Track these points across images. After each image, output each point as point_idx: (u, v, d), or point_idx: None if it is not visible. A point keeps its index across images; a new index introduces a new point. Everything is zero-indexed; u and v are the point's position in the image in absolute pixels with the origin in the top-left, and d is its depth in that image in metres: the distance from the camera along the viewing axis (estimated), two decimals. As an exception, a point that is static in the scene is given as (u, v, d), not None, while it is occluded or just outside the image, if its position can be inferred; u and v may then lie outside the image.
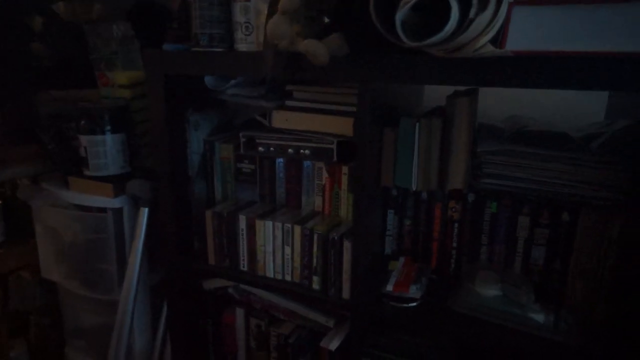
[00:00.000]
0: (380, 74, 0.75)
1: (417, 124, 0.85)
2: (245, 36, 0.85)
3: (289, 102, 0.96)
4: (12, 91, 1.19)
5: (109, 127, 1.04)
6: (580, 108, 1.00)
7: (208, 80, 0.97)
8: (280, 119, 0.96)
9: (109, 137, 1.04)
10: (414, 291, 0.87)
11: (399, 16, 0.62)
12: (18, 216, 1.21)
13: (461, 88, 0.88)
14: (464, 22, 0.60)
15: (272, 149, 0.96)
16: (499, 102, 1.02)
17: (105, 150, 1.04)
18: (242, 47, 0.86)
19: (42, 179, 1.14)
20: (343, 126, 0.90)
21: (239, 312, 1.09)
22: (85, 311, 1.19)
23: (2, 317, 1.26)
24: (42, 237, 1.17)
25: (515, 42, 0.65)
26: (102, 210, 1.06)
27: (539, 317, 0.80)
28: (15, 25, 1.23)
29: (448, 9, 0.59)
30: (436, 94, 0.99)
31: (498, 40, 0.65)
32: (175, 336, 1.12)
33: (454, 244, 0.90)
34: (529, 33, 0.64)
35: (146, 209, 1.04)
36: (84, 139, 1.04)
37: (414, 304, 0.87)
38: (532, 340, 0.77)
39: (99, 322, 1.17)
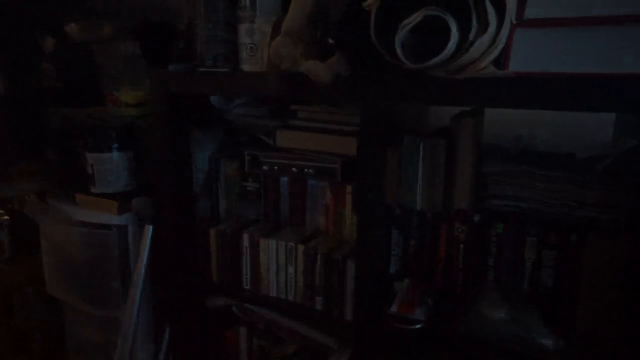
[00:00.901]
0: (382, 94, 0.75)
1: (421, 144, 0.84)
2: (249, 57, 0.86)
3: (293, 122, 0.96)
4: (21, 109, 1.21)
5: (115, 145, 1.05)
6: (587, 128, 0.99)
7: (214, 99, 0.98)
8: (285, 138, 0.96)
9: (115, 155, 1.05)
10: (419, 313, 0.85)
11: (399, 38, 0.62)
12: (24, 232, 1.22)
13: (467, 108, 0.88)
14: (464, 44, 0.60)
15: (276, 167, 0.96)
16: (504, 122, 1.01)
17: (111, 167, 1.05)
18: (246, 67, 0.87)
19: (49, 195, 1.16)
20: (347, 146, 0.90)
21: (242, 331, 1.08)
22: (89, 328, 1.18)
23: (5, 333, 1.26)
24: (47, 254, 1.17)
25: (518, 64, 0.65)
26: (107, 227, 1.07)
27: (548, 342, 0.77)
28: (27, 46, 1.26)
29: (448, 30, 0.59)
30: (443, 113, 0.99)
31: (501, 61, 0.65)
32: (178, 354, 1.11)
33: (460, 265, 0.89)
34: (532, 55, 0.64)
35: (151, 227, 1.04)
36: (90, 157, 1.05)
37: (419, 325, 0.85)
38: (541, 366, 0.75)
39: (102, 339, 1.16)
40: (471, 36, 0.59)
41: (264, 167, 0.97)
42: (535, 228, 0.82)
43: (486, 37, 0.60)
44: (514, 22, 0.61)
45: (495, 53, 0.63)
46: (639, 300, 0.75)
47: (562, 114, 1.00)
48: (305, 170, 0.93)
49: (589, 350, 0.76)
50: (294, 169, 0.94)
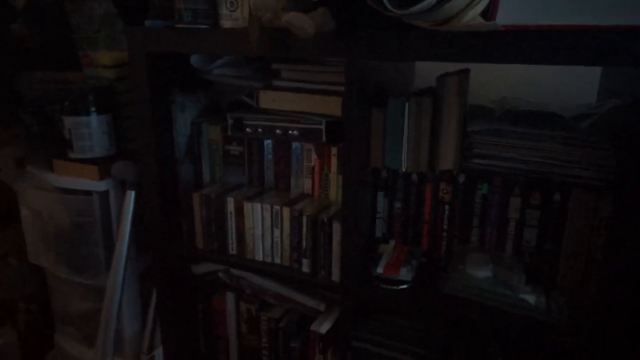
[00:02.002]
0: (367, 49, 0.73)
1: (407, 104, 0.83)
2: (230, 12, 0.82)
3: (276, 82, 0.94)
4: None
5: (93, 108, 1.01)
6: (571, 89, 0.98)
7: (194, 59, 0.95)
8: (268, 100, 0.93)
9: (93, 119, 1.02)
10: (404, 273, 0.86)
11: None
12: (2, 201, 1.19)
13: (452, 70, 0.86)
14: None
15: (259, 130, 0.94)
16: (489, 84, 1.00)
17: (90, 132, 1.02)
18: (227, 23, 0.83)
19: (27, 162, 1.12)
20: (332, 106, 0.88)
21: (230, 297, 1.08)
22: (74, 297, 1.17)
23: (-10, 304, 1.25)
24: (27, 222, 1.15)
25: (506, 16, 0.62)
26: (88, 193, 1.04)
27: (531, 299, 0.79)
28: (-3, 5, 1.20)
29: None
30: (427, 78, 0.97)
31: (488, 13, 0.63)
32: (165, 321, 1.11)
33: (445, 226, 0.89)
34: (520, 6, 0.62)
35: (133, 192, 1.02)
36: (68, 121, 1.01)
37: (405, 286, 0.86)
38: (523, 322, 0.77)
39: (89, 307, 1.16)
40: (457, -18, 0.57)
41: (247, 130, 0.95)
42: (520, 188, 0.83)
43: (473, -16, 0.58)
44: (502, -31, 0.59)
45: (483, 4, 0.61)
46: (619, 258, 0.76)
47: (546, 75, 0.99)
48: (290, 132, 0.91)
49: (569, 307, 0.78)
50: (278, 131, 0.92)
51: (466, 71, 0.85)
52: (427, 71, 0.97)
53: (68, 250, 1.10)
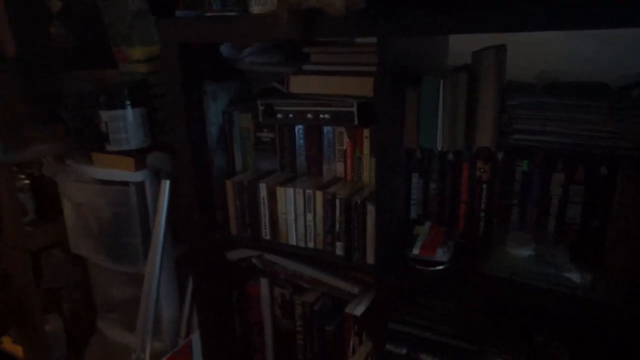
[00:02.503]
0: (399, 25, 0.71)
1: (442, 81, 0.81)
2: (259, -4, 0.82)
3: (306, 67, 0.93)
4: (33, 72, 1.20)
5: (128, 102, 1.04)
6: (616, 62, 0.93)
7: (224, 49, 0.95)
8: (298, 84, 0.93)
9: (128, 112, 1.04)
10: (441, 254, 0.84)
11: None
12: (46, 195, 1.24)
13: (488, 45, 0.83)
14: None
15: (290, 115, 0.94)
16: (528, 60, 0.97)
17: (125, 124, 1.04)
18: (256, 9, 0.83)
19: (67, 156, 1.16)
20: (363, 87, 0.87)
21: (263, 282, 1.09)
22: (114, 284, 1.21)
23: (35, 294, 1.30)
24: (69, 213, 1.19)
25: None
26: (125, 184, 1.07)
27: (575, 277, 0.76)
28: (35, 8, 1.24)
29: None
30: (461, 56, 0.94)
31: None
32: (201, 307, 1.14)
33: (483, 206, 0.87)
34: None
35: (167, 182, 1.04)
36: (104, 115, 1.04)
37: (441, 267, 0.84)
38: (568, 300, 0.74)
39: (128, 294, 1.20)
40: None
41: (279, 116, 0.95)
42: (563, 163, 0.79)
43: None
44: None
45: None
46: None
47: (588, 48, 0.95)
48: (321, 116, 0.90)
49: (616, 285, 0.75)
50: (309, 116, 0.92)
51: (502, 45, 0.82)
52: (461, 49, 0.94)
53: (107, 239, 1.13)
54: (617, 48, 0.92)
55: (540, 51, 0.98)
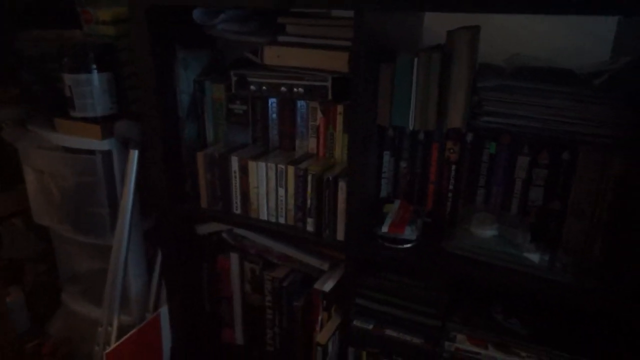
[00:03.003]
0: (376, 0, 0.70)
1: (416, 59, 0.81)
2: (234, -39, 0.79)
3: (281, 38, 0.91)
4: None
5: (94, 66, 0.99)
6: (584, 47, 0.95)
7: (196, 14, 0.92)
8: (272, 55, 0.91)
9: (94, 76, 1.00)
10: (409, 232, 0.86)
11: None
12: (6, 161, 1.18)
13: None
14: None
15: (264, 87, 0.92)
16: (500, 42, 0.98)
17: (91, 89, 1.00)
18: (231, -27, 0.80)
19: (28, 121, 1.11)
20: (338, 62, 0.86)
21: (234, 257, 1.09)
22: (80, 256, 1.19)
23: (-3, 265, 1.26)
24: (31, 182, 1.15)
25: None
26: (91, 152, 1.04)
27: (535, 257, 0.79)
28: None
29: None
30: (434, 35, 0.94)
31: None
32: (170, 281, 1.13)
33: (451, 186, 0.89)
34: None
35: (136, 151, 1.01)
36: (68, 78, 0.99)
37: (409, 245, 0.86)
38: (527, 279, 0.77)
39: (94, 267, 1.17)
40: None
41: (252, 88, 0.93)
42: (529, 147, 0.81)
43: None
44: None
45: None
46: (626, 218, 0.76)
47: (558, 32, 0.96)
48: (295, 89, 0.89)
49: (573, 266, 0.78)
50: (283, 89, 0.90)
51: (477, 27, 0.83)
52: (435, 28, 0.94)
53: (73, 210, 1.10)
54: (584, 36, 0.94)
55: (513, 35, 0.99)
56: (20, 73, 1.12)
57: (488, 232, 0.83)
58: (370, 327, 0.91)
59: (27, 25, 1.16)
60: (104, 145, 1.02)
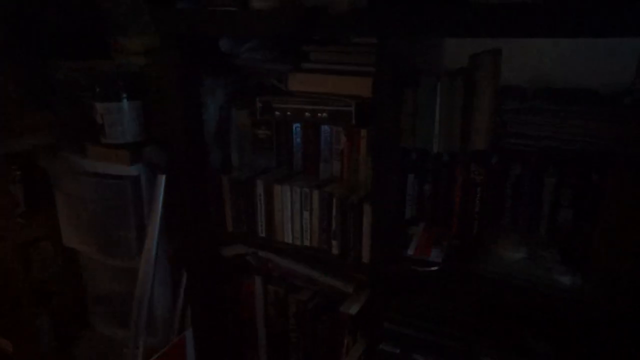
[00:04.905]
0: (400, 26, 0.72)
1: (439, 83, 0.82)
2: (260, -7, 0.82)
3: (305, 65, 0.94)
4: (25, 60, 1.18)
5: (124, 94, 1.03)
6: (608, 69, 0.95)
7: (223, 43, 0.95)
8: (297, 82, 0.93)
9: (125, 104, 1.03)
10: (435, 255, 0.85)
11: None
12: (38, 186, 1.22)
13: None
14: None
15: (289, 113, 0.94)
16: (522, 65, 0.98)
17: (121, 117, 1.04)
18: (257, 4, 0.83)
19: (60, 147, 1.15)
20: (362, 87, 0.87)
21: (258, 280, 1.09)
22: (107, 279, 1.21)
23: (25, 287, 1.29)
24: (62, 206, 1.18)
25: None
26: (120, 177, 1.07)
27: (565, 279, 0.78)
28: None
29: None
30: (458, 57, 0.96)
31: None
32: (194, 303, 1.13)
33: (476, 208, 0.88)
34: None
35: (164, 176, 1.03)
36: (100, 106, 1.03)
37: (436, 267, 0.85)
38: (558, 301, 0.76)
39: (121, 289, 1.19)
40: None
41: (276, 113, 0.95)
42: (555, 168, 0.81)
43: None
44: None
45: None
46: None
47: (580, 55, 0.97)
48: (319, 114, 0.91)
49: (604, 286, 0.77)
50: (307, 114, 0.92)
51: (499, 50, 0.84)
52: (456, 52, 0.95)
53: (101, 233, 1.13)
54: (607, 56, 0.94)
55: (535, 58, 0.99)
56: (53, 100, 1.17)
57: (516, 254, 0.82)
58: (397, 351, 0.89)
59: (60, 55, 1.21)
60: (133, 170, 1.05)
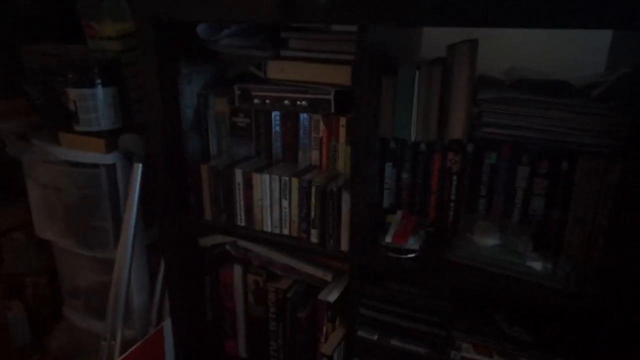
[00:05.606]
0: (379, 14, 0.72)
1: (417, 72, 0.83)
2: (238, -22, 0.81)
3: (284, 52, 0.93)
4: (-5, 44, 1.14)
5: (99, 81, 1.00)
6: (580, 59, 0.98)
7: (200, 29, 0.93)
8: (276, 70, 0.93)
9: (99, 91, 1.01)
10: (412, 242, 0.87)
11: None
12: (8, 175, 1.18)
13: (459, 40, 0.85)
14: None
15: (267, 101, 0.93)
16: (498, 55, 1.00)
17: (95, 104, 1.01)
18: (235, -10, 0.82)
19: (32, 135, 1.11)
20: (341, 75, 0.87)
21: (237, 269, 1.09)
22: (82, 270, 1.18)
23: (-3, 280, 1.25)
24: (34, 195, 1.15)
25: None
26: (95, 166, 1.04)
27: (537, 265, 0.80)
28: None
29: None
30: (433, 49, 0.97)
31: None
32: (173, 294, 1.12)
33: (453, 197, 0.90)
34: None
35: (140, 165, 1.02)
36: (73, 93, 1.01)
37: (413, 254, 0.87)
38: (529, 288, 0.78)
39: (96, 280, 1.17)
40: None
41: (255, 101, 0.94)
42: (528, 157, 0.83)
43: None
44: None
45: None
46: (625, 224, 0.77)
47: (554, 45, 0.99)
48: (298, 102, 0.91)
49: (576, 272, 0.79)
50: (286, 102, 0.92)
51: (475, 40, 0.85)
52: (434, 42, 0.96)
53: (76, 223, 1.10)
54: (580, 48, 0.96)
55: (510, 48, 1.01)
56: (24, 86, 1.13)
57: (490, 241, 0.84)
58: (375, 337, 0.91)
59: (31, 39, 1.17)
60: (108, 159, 1.03)
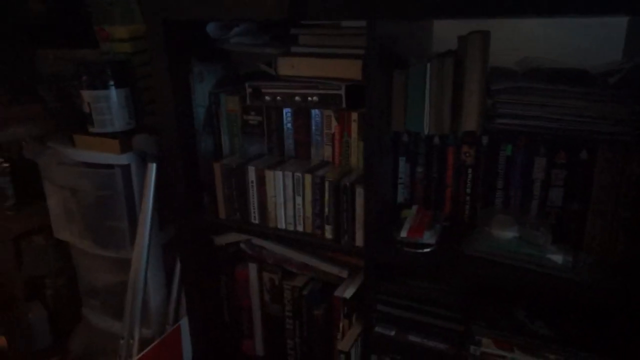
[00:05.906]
0: (388, 8, 0.72)
1: (428, 65, 0.82)
2: (247, -25, 0.81)
3: (294, 48, 0.93)
4: (10, 49, 1.16)
5: (111, 82, 1.02)
6: (596, 49, 0.96)
7: (210, 28, 0.94)
8: (286, 66, 0.93)
9: (112, 92, 1.02)
10: (428, 237, 0.86)
11: None
12: (26, 178, 1.20)
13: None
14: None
15: (279, 98, 0.93)
16: (511, 46, 0.98)
17: (109, 105, 1.02)
18: (244, -12, 0.82)
19: (48, 138, 1.13)
20: (351, 70, 0.87)
21: (252, 267, 1.09)
22: (99, 270, 1.20)
23: (17, 282, 1.28)
24: (52, 197, 1.17)
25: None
26: (110, 167, 1.05)
27: (557, 258, 0.78)
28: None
29: None
30: (444, 42, 0.95)
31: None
32: (189, 292, 1.13)
33: (468, 190, 0.89)
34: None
35: (154, 165, 1.03)
36: (87, 95, 1.02)
37: (429, 249, 0.86)
38: (550, 281, 0.76)
39: (114, 280, 1.18)
40: None
41: (266, 99, 0.94)
42: (545, 147, 0.81)
43: None
44: None
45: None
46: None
47: (569, 34, 0.97)
48: (309, 98, 0.90)
49: (596, 265, 0.78)
50: (297, 98, 0.91)
51: (487, 31, 0.83)
52: (445, 35, 0.95)
53: (92, 224, 1.12)
54: (594, 37, 0.94)
55: (523, 38, 0.99)
56: (39, 91, 1.15)
57: (509, 233, 0.83)
58: (393, 333, 0.90)
59: (45, 45, 1.19)
60: (123, 159, 1.04)
